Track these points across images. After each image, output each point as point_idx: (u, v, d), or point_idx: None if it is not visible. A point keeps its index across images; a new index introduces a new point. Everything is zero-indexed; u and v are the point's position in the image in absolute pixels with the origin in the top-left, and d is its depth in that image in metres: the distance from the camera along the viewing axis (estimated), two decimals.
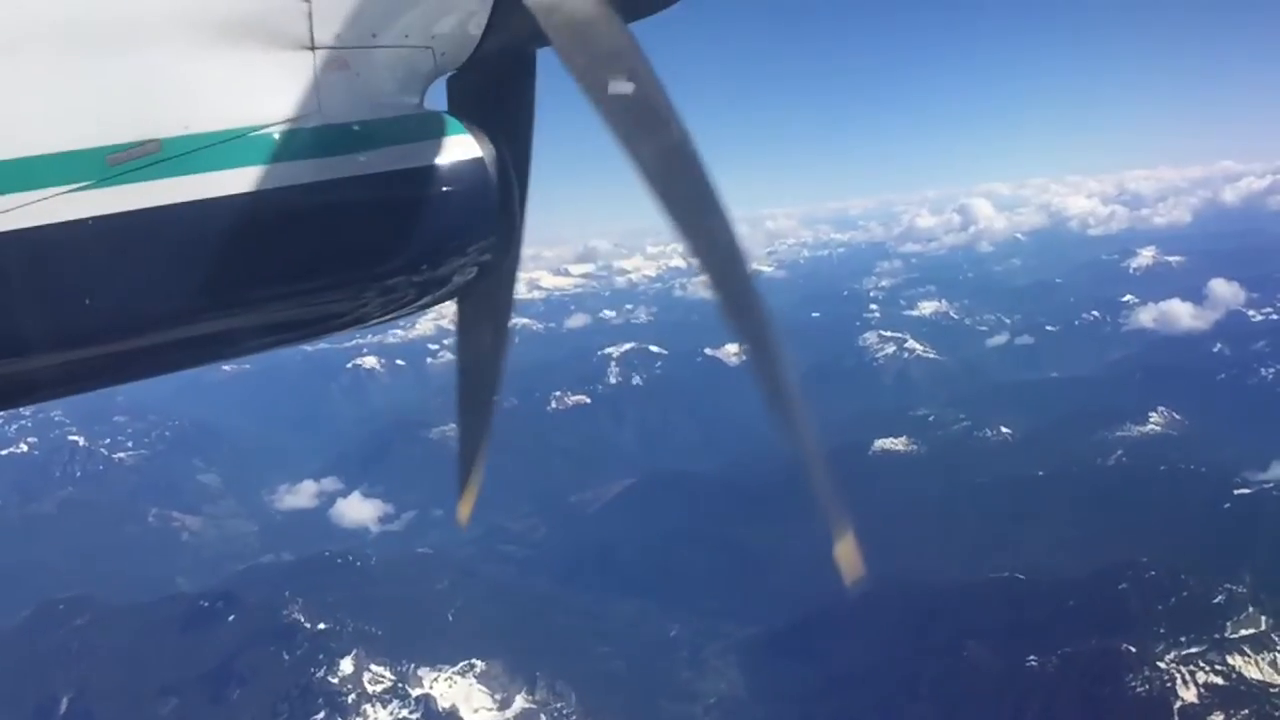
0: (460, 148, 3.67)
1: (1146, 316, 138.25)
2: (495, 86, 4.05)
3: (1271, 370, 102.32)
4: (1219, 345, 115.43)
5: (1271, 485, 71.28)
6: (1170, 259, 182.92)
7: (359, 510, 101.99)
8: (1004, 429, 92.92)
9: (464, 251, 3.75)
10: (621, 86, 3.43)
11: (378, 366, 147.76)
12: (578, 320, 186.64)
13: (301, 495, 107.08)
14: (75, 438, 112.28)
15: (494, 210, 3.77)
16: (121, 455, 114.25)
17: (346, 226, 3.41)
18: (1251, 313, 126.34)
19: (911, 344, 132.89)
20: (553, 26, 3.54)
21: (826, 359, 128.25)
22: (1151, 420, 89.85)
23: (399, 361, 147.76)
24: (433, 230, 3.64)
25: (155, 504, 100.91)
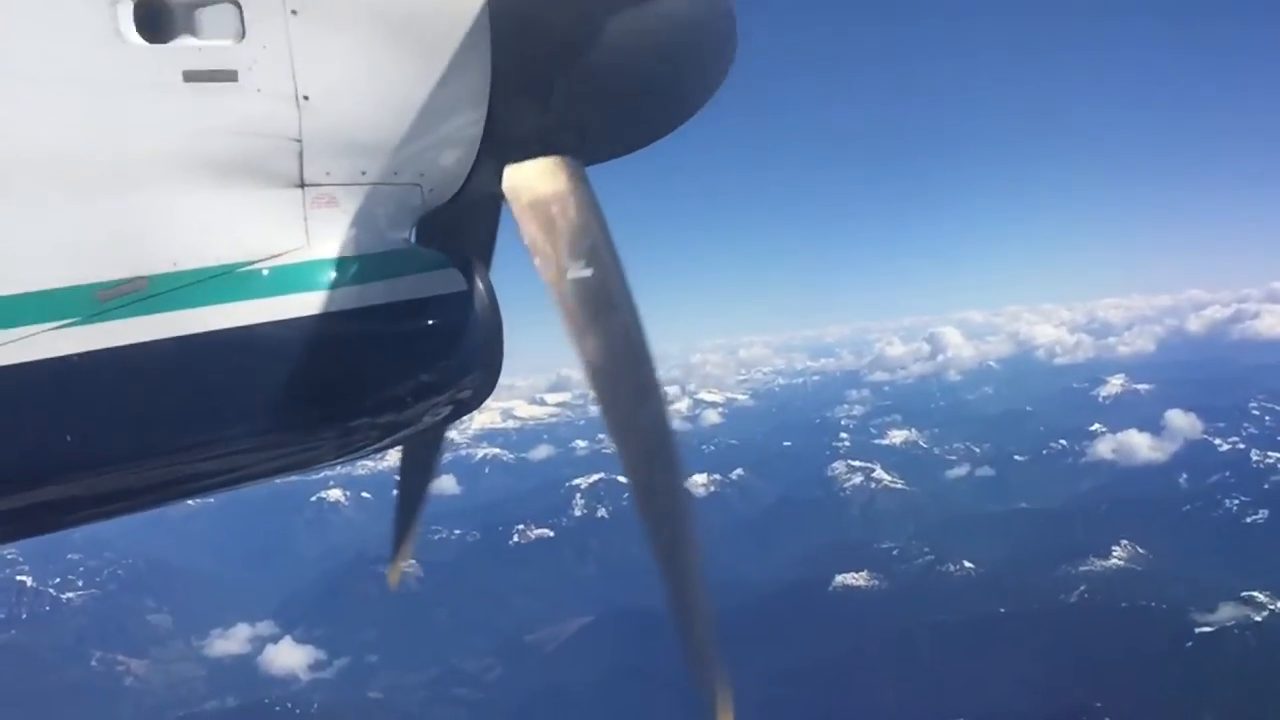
0: (447, 282, 3.69)
1: (1111, 447, 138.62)
2: (466, 214, 4.04)
3: (1235, 502, 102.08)
4: (1184, 476, 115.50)
5: (1233, 624, 70.05)
6: (1139, 387, 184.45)
7: (289, 656, 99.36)
8: (968, 563, 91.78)
9: (449, 387, 3.77)
10: (579, 272, 3.51)
11: (343, 499, 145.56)
12: (548, 450, 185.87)
13: (234, 640, 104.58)
14: (24, 578, 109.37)
15: (479, 346, 3.79)
16: (70, 595, 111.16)
17: (333, 361, 3.40)
18: (1218, 442, 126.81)
19: (880, 474, 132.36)
20: (519, 208, 3.60)
21: (794, 489, 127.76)
22: (1115, 554, 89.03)
23: (365, 494, 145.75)
24: (418, 365, 3.66)
25: (101, 647, 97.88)
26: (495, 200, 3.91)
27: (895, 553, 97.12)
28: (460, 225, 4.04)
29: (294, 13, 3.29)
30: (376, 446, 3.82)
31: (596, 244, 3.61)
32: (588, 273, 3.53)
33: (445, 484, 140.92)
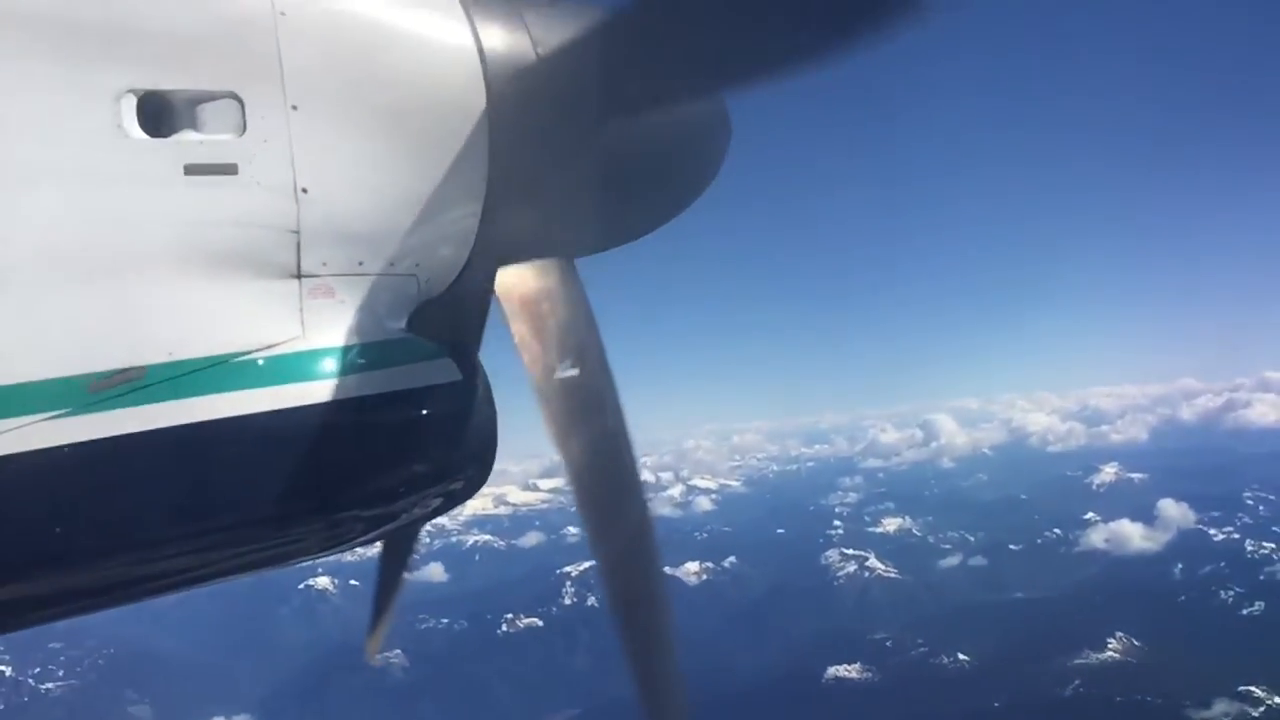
0: (442, 372, 3.67)
1: (1106, 535, 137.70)
2: (460, 301, 4.01)
3: (1231, 593, 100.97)
4: (1179, 566, 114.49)
5: None
6: (1133, 476, 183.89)
7: None
8: (962, 655, 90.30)
9: (442, 478, 3.74)
10: (566, 371, 3.54)
11: (331, 588, 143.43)
12: (538, 537, 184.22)
13: None
14: (2, 668, 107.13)
15: (473, 437, 3.77)
16: (50, 686, 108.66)
17: (327, 452, 3.37)
18: (1212, 531, 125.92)
19: (874, 562, 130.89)
20: (509, 305, 3.65)
21: (788, 578, 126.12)
22: (1110, 647, 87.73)
23: (353, 581, 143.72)
24: (413, 456, 3.63)
25: None
26: (488, 289, 3.94)
27: (889, 644, 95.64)
28: (452, 310, 4.00)
29: (294, 108, 3.35)
30: (367, 538, 3.79)
31: (584, 343, 3.66)
32: (574, 372, 3.56)
33: (433, 572, 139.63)
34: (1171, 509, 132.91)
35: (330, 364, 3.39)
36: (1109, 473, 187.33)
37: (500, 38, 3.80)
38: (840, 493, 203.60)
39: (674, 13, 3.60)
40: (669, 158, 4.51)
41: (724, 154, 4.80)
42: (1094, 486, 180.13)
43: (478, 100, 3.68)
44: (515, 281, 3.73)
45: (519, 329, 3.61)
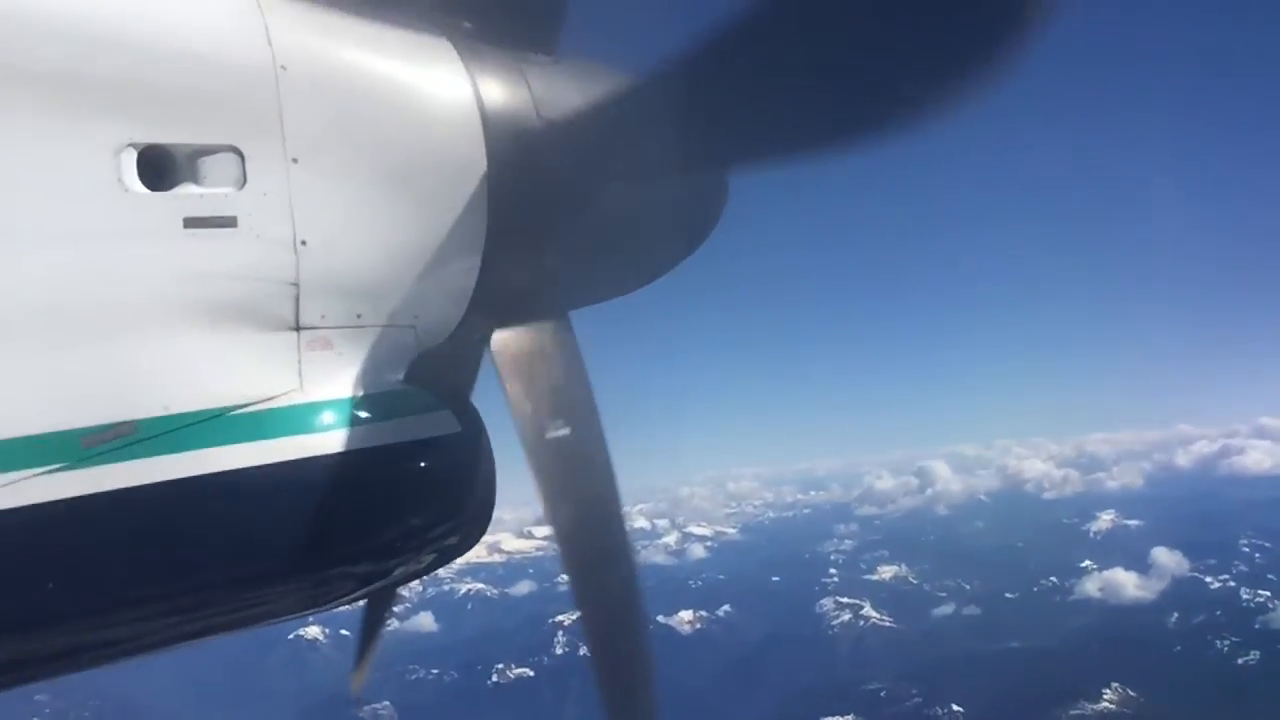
0: (440, 425, 3.64)
1: (1100, 584, 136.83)
2: (456, 353, 4.00)
3: (1227, 642, 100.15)
4: (1175, 615, 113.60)
5: None
6: (1129, 523, 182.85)
7: None
8: (956, 706, 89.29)
9: (439, 531, 3.70)
10: (557, 431, 3.53)
11: (321, 637, 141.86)
12: (530, 586, 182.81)
13: None
14: None
15: (470, 491, 3.73)
16: None
17: (323, 506, 3.32)
18: (1208, 579, 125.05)
19: (869, 610, 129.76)
20: (502, 363, 3.67)
21: (782, 626, 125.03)
22: (1105, 697, 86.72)
23: (344, 631, 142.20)
24: (410, 510, 3.58)
25: None
26: (483, 342, 3.91)
27: (883, 694, 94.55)
28: (448, 362, 4.00)
29: (295, 160, 3.32)
30: (360, 594, 3.73)
31: (576, 402, 3.70)
32: (565, 431, 3.59)
33: (424, 621, 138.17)
34: (1165, 557, 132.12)
35: (328, 417, 3.37)
36: (1105, 520, 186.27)
37: (501, 94, 3.82)
38: (836, 540, 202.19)
39: (685, 89, 3.60)
40: (666, 217, 4.50)
41: (721, 212, 4.78)
42: (1091, 533, 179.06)
43: (478, 156, 3.69)
44: (509, 337, 3.76)
45: (511, 387, 3.64)
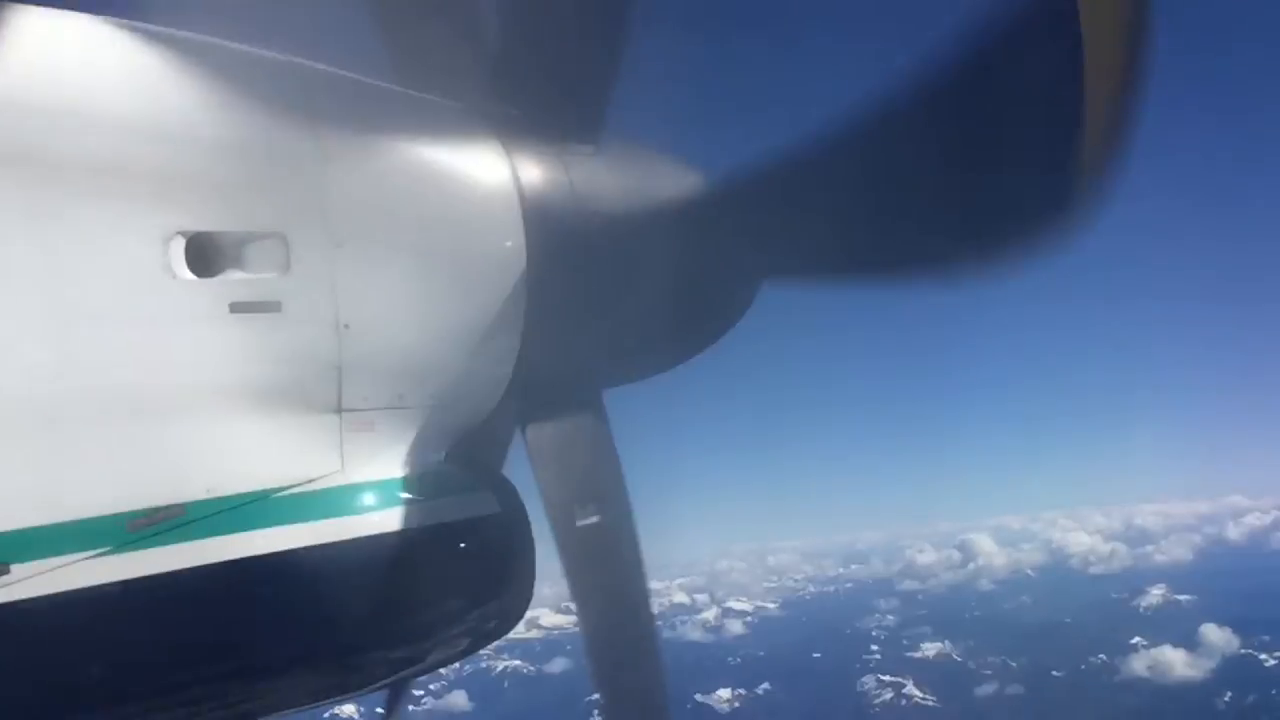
0: (480, 505, 3.72)
1: (1149, 662, 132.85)
2: (495, 433, 4.08)
3: None
4: (1227, 694, 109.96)
5: None
6: (1180, 598, 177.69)
7: None
8: None
9: (479, 615, 3.80)
10: (587, 518, 3.63)
11: (355, 715, 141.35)
12: (565, 663, 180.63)
13: None
14: None
15: (511, 571, 3.83)
16: None
17: (365, 588, 3.41)
18: (1262, 656, 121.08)
19: (911, 689, 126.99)
20: (535, 447, 3.76)
21: (823, 706, 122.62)
22: None
23: (379, 710, 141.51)
24: (452, 592, 3.67)
25: None
26: (519, 422, 4.00)
27: None
28: (487, 441, 4.06)
29: (339, 245, 3.37)
30: (399, 677, 3.84)
31: (606, 488, 3.79)
32: (595, 519, 3.68)
33: (457, 700, 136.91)
34: (1215, 634, 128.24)
35: (369, 498, 3.41)
36: (1156, 595, 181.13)
37: (542, 183, 3.90)
38: (878, 615, 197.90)
39: (735, 206, 3.73)
40: (701, 300, 4.53)
41: (756, 293, 4.78)
42: (1141, 609, 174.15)
43: (517, 243, 3.76)
44: (541, 419, 3.87)
45: (541, 474, 3.76)
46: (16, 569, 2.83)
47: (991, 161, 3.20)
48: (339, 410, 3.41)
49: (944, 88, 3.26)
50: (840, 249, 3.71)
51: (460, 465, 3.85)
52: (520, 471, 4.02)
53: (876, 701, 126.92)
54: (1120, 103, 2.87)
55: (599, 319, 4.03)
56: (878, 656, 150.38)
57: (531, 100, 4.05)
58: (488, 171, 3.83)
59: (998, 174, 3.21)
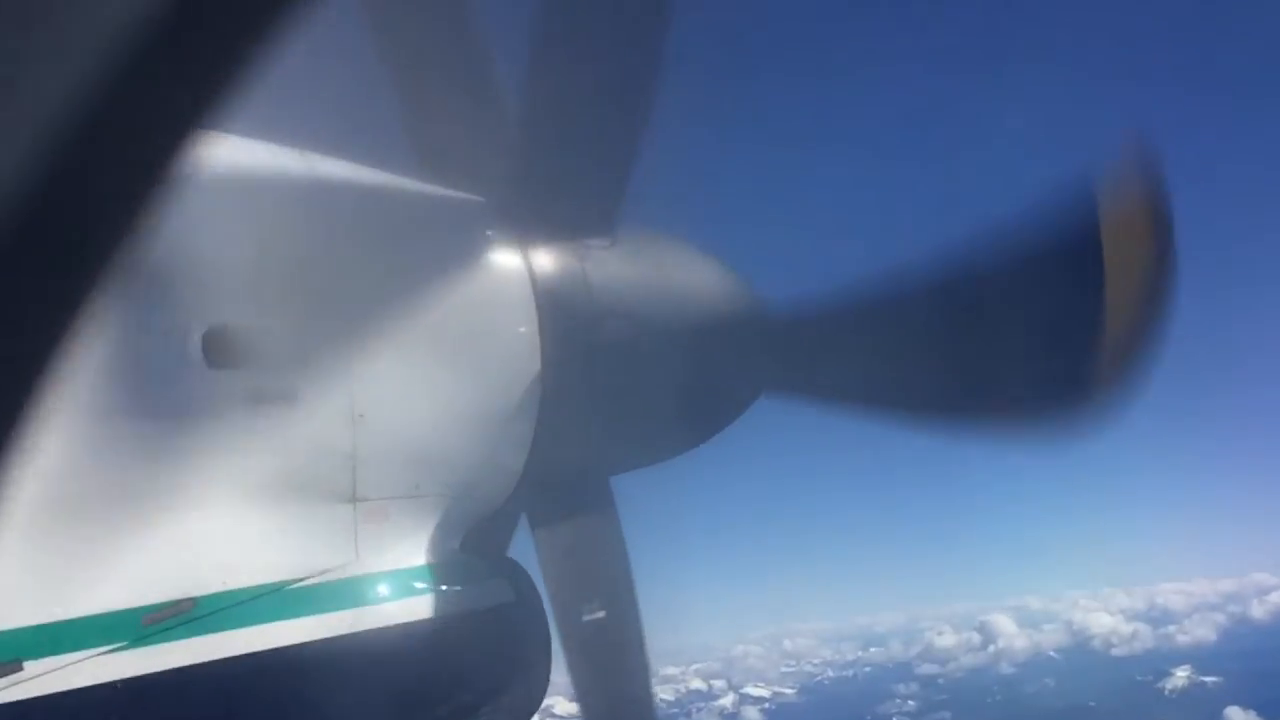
0: (495, 594, 3.60)
1: None
2: (509, 520, 3.97)
3: None
4: None
5: None
6: (1206, 679, 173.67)
7: None
8: None
9: (493, 706, 3.64)
10: (593, 614, 3.54)
11: None
12: None
13: None
14: None
15: (526, 661, 3.70)
16: None
17: (378, 680, 3.30)
18: None
19: None
20: (543, 543, 3.66)
21: None
22: None
23: None
24: (468, 682, 3.52)
25: None
26: (517, 514, 3.92)
27: None
28: (503, 529, 4.01)
29: (355, 336, 3.39)
30: None
31: (614, 583, 3.71)
32: (601, 614, 3.61)
33: None
34: (1239, 717, 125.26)
35: (383, 589, 3.32)
36: (1180, 677, 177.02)
37: (556, 277, 3.96)
38: (898, 700, 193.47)
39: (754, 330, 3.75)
40: (712, 389, 4.63)
41: (763, 380, 4.88)
42: (1165, 692, 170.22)
43: (532, 337, 3.80)
44: (550, 511, 3.81)
45: (548, 569, 3.69)
46: (30, 666, 2.76)
47: (1004, 361, 3.27)
48: (354, 500, 3.37)
49: (969, 286, 3.29)
50: (856, 391, 3.70)
51: (475, 553, 3.89)
52: (524, 555, 3.94)
53: None
54: (1139, 333, 2.89)
55: (611, 409, 4.08)
56: None
57: (548, 195, 4.22)
58: (503, 265, 3.92)
59: (1011, 372, 3.27)
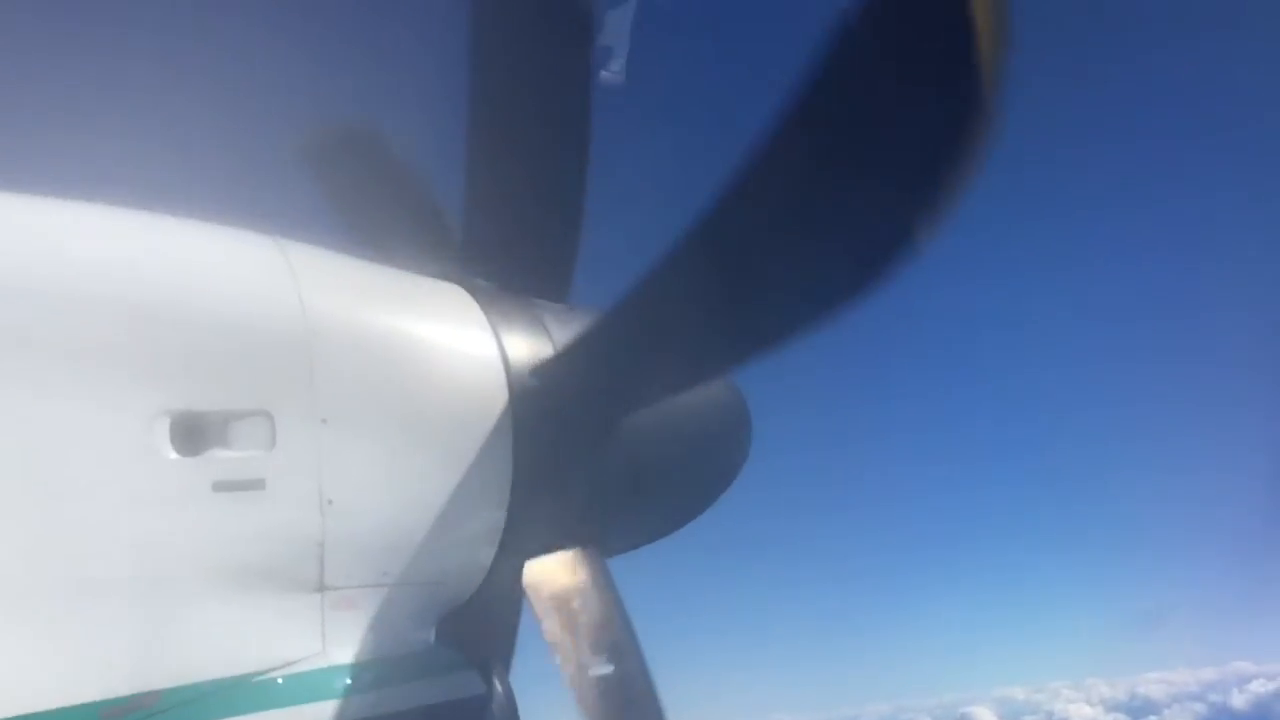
0: (466, 686, 3.59)
1: None
2: (488, 609, 3.94)
3: None
4: None
5: None
6: None
7: None
8: None
9: None
10: (601, 669, 3.50)
11: None
12: None
13: None
14: None
15: None
16: None
17: None
18: None
19: None
20: (540, 604, 3.60)
21: None
22: None
23: None
24: None
25: None
26: (517, 595, 3.80)
27: None
28: (481, 620, 3.92)
29: (324, 421, 3.27)
30: None
31: (619, 639, 3.60)
32: (609, 669, 3.51)
33: None
34: None
35: (350, 681, 3.25)
36: None
37: (523, 343, 3.86)
38: None
39: (676, 292, 3.52)
40: (691, 456, 4.51)
41: (746, 450, 4.77)
42: None
43: (502, 406, 3.69)
44: (545, 578, 3.69)
45: (550, 626, 3.58)
46: None
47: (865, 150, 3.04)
48: (321, 589, 3.30)
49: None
50: (784, 285, 3.46)
51: (447, 643, 3.80)
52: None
53: None
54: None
55: (590, 477, 3.98)
56: None
57: (505, 262, 4.16)
58: (470, 337, 3.85)
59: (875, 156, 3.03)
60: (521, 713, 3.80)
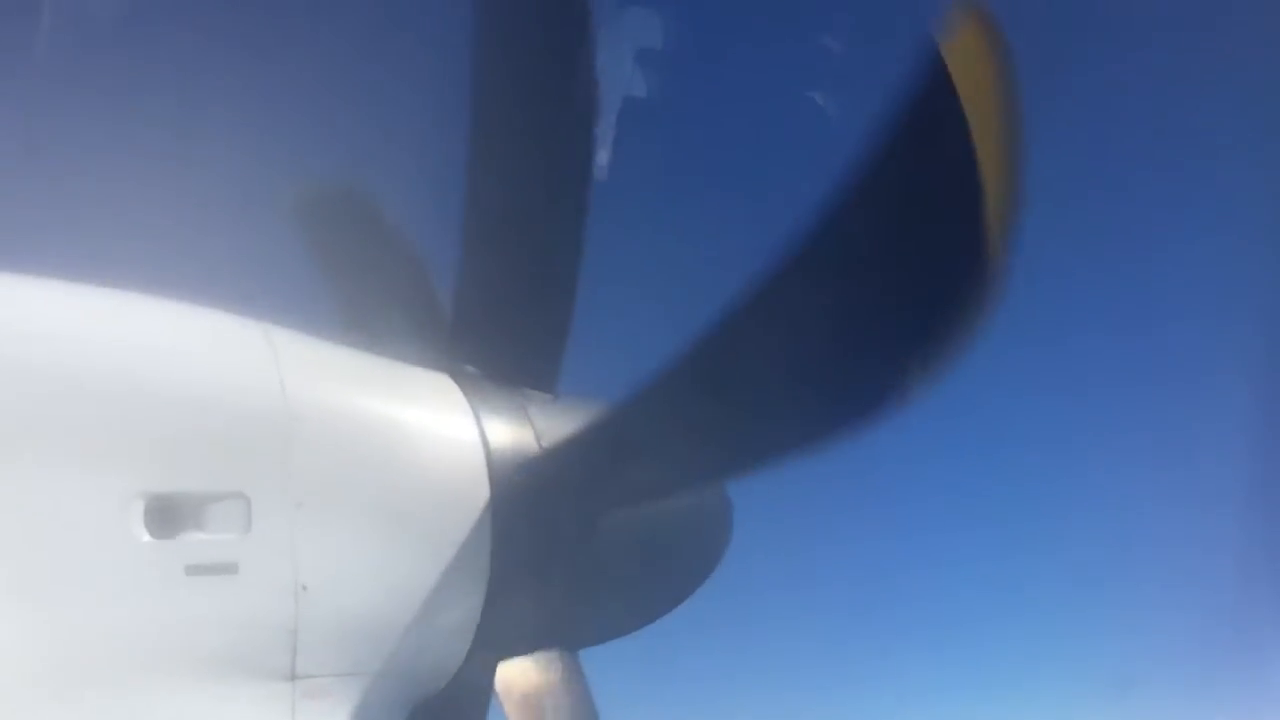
0: None
1: None
2: (457, 701, 3.89)
3: None
4: None
5: None
6: None
7: None
8: None
9: None
10: None
11: None
12: None
13: None
14: None
15: None
16: None
17: None
18: None
19: None
20: (510, 704, 3.61)
21: None
22: None
23: None
24: None
25: None
26: (487, 691, 3.79)
27: None
28: (450, 714, 3.86)
29: (299, 505, 3.26)
30: None
31: None
32: None
33: None
34: None
35: None
36: None
37: (505, 432, 3.85)
38: None
39: (669, 408, 3.60)
40: (670, 549, 4.51)
41: (726, 544, 4.79)
42: None
43: (482, 496, 3.68)
44: (516, 677, 3.70)
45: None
46: None
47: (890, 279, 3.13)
48: (292, 678, 3.26)
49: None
50: (790, 407, 3.59)
51: None
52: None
53: None
54: (1010, 164, 2.70)
55: (570, 570, 3.98)
56: None
57: (490, 352, 4.19)
58: (452, 424, 3.86)
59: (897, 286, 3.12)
60: None
